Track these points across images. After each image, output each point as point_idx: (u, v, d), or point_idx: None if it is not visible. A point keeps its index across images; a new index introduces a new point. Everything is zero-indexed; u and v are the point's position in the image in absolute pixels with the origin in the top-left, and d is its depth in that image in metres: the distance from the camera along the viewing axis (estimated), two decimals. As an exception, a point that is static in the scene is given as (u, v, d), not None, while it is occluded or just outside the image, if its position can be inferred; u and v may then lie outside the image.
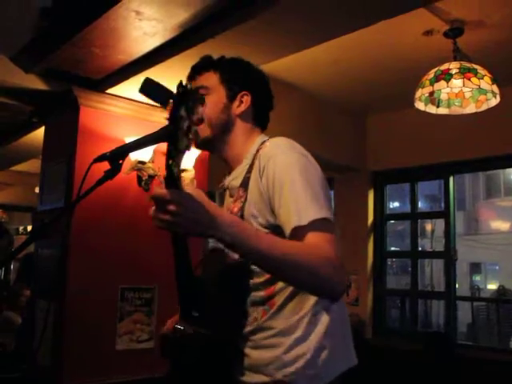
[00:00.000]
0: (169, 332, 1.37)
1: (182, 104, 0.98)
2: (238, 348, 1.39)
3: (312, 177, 1.30)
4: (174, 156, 1.01)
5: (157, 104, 0.99)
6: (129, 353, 3.16)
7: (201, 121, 1.46)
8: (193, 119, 1.00)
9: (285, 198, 1.26)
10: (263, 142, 1.45)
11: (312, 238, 1.20)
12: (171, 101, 1.00)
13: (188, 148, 1.02)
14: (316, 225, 1.21)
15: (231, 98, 1.48)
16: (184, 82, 1.00)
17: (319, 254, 1.17)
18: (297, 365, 1.31)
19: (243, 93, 1.49)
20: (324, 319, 1.35)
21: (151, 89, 0.98)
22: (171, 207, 1.01)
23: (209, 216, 1.07)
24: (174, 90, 1.02)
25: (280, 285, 1.34)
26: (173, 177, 1.04)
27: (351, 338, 1.45)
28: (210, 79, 1.49)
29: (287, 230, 1.24)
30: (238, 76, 1.50)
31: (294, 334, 1.32)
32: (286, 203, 1.25)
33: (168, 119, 0.99)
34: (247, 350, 1.38)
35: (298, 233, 1.21)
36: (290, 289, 1.34)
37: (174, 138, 1.00)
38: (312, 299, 1.34)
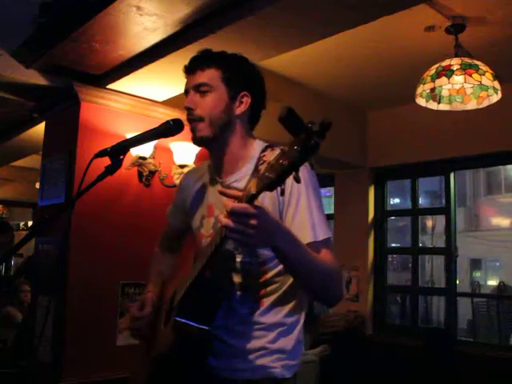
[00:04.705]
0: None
1: (317, 136, 0.95)
2: (218, 337, 1.42)
3: (320, 196, 1.41)
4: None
5: (291, 133, 0.96)
6: (129, 349, 3.16)
7: (201, 119, 1.45)
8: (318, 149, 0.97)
9: (300, 212, 1.35)
10: (266, 148, 1.43)
11: (325, 253, 1.34)
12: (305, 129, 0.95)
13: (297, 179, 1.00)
14: (327, 242, 1.36)
15: (232, 98, 1.47)
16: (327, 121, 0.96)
17: (335, 269, 1.34)
18: (279, 355, 1.40)
19: (243, 93, 1.48)
20: (301, 319, 1.48)
21: (292, 119, 0.96)
22: (253, 221, 1.08)
23: (277, 227, 1.17)
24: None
25: (271, 288, 1.43)
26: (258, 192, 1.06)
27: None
28: (212, 77, 1.46)
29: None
30: (240, 76, 1.48)
31: (279, 328, 1.42)
32: (302, 217, 1.34)
33: (300, 151, 0.95)
34: (229, 339, 1.42)
35: (313, 247, 1.30)
36: (280, 292, 1.43)
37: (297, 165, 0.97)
38: (296, 301, 1.45)
